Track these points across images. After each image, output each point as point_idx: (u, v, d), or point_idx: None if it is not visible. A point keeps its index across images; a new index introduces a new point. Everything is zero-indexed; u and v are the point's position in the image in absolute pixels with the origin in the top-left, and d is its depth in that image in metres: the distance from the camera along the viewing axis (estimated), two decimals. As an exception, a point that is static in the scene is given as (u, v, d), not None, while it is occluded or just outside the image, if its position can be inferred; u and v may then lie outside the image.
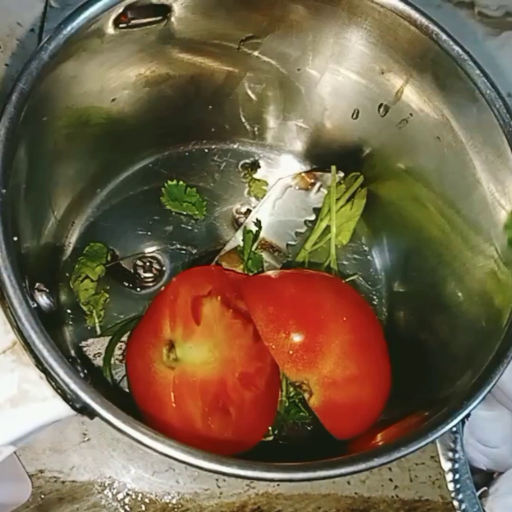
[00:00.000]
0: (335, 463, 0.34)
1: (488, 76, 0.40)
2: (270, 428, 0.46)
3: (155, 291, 0.49)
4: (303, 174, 0.52)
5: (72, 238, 0.49)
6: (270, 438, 0.46)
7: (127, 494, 0.48)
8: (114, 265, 0.49)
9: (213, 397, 0.40)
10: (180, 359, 0.40)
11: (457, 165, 0.42)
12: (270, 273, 0.46)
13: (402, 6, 0.39)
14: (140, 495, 0.48)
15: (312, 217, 0.52)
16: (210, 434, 0.39)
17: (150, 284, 0.49)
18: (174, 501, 0.48)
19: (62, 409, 0.33)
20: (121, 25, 0.37)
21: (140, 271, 0.49)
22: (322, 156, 0.53)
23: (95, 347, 0.47)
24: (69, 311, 0.48)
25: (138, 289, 0.49)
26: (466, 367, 0.39)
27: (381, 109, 0.45)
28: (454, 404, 0.36)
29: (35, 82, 0.34)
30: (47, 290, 0.36)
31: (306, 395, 0.41)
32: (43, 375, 0.33)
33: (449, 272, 0.45)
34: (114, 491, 0.48)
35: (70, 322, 0.47)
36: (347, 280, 0.51)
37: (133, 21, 0.37)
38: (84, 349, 0.47)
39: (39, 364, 0.33)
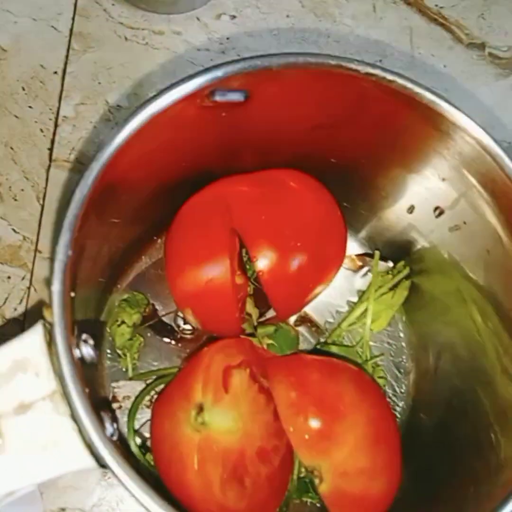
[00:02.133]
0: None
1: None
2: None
3: (191, 344, 0.51)
4: (353, 256, 0.54)
5: (121, 287, 0.51)
6: (278, 514, 0.47)
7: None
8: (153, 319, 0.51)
9: (232, 467, 0.42)
10: (207, 423, 0.42)
11: (503, 280, 0.43)
12: (297, 356, 0.48)
13: (481, 136, 0.40)
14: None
15: (355, 299, 0.54)
16: (225, 503, 0.41)
17: (188, 336, 0.51)
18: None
19: (88, 461, 0.35)
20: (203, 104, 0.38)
21: (180, 322, 0.51)
22: (374, 241, 0.54)
23: (125, 390, 0.49)
24: (108, 350, 0.50)
25: (174, 342, 0.51)
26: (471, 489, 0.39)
27: (436, 211, 0.46)
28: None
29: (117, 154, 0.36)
30: (93, 343, 0.38)
31: (316, 481, 0.43)
32: (75, 427, 0.35)
33: (477, 381, 0.45)
34: (133, 528, 0.50)
35: (108, 362, 0.50)
36: (374, 360, 0.52)
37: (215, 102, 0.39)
38: (115, 390, 0.49)
39: (73, 416, 0.35)
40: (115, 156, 0.35)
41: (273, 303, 0.48)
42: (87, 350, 0.37)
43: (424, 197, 0.46)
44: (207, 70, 0.37)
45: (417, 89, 0.38)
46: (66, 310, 0.33)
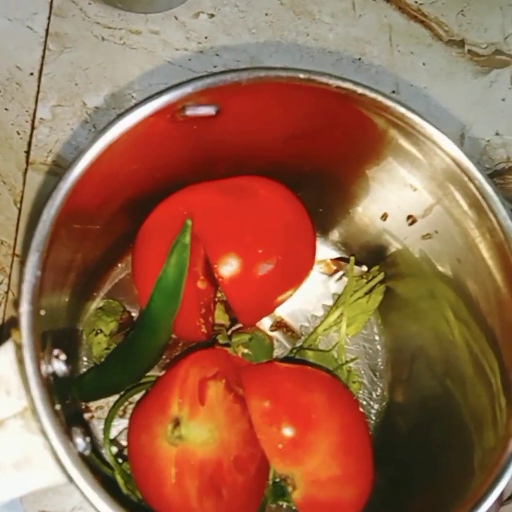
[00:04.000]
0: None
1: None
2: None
3: (167, 352, 0.51)
4: (328, 261, 0.54)
5: (97, 295, 0.51)
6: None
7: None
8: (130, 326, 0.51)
9: (209, 478, 0.42)
10: (183, 437, 0.42)
11: (476, 286, 0.44)
12: (271, 365, 0.48)
13: (451, 149, 0.40)
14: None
15: (330, 303, 0.54)
16: (203, 514, 0.42)
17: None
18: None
19: (61, 478, 0.36)
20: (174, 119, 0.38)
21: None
22: (349, 246, 0.54)
23: (99, 401, 0.50)
24: (85, 358, 0.50)
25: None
26: (452, 492, 0.40)
27: (409, 220, 0.47)
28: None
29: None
30: (65, 358, 0.38)
31: (289, 488, 0.43)
32: (47, 443, 0.35)
33: (452, 383, 0.46)
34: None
35: (84, 370, 0.50)
36: (349, 363, 0.52)
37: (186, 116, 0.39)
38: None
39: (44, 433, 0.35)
40: (85, 172, 0.35)
41: (235, 309, 0.48)
42: (59, 366, 0.37)
43: (396, 205, 0.47)
44: (176, 86, 0.37)
45: (388, 102, 0.38)
46: (34, 331, 0.33)
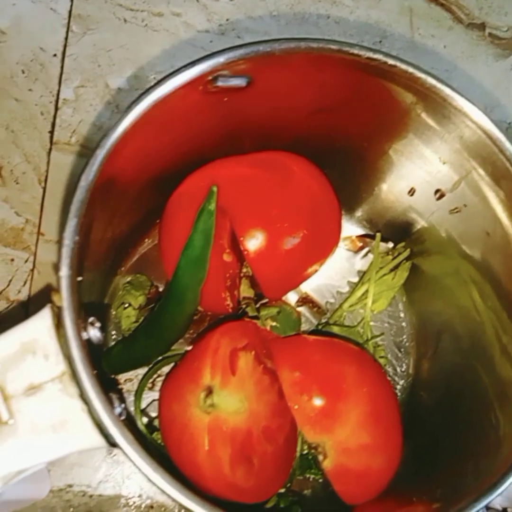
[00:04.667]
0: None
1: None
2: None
3: (194, 326, 0.51)
4: (353, 237, 0.54)
5: (125, 270, 0.52)
6: (282, 490, 0.48)
7: (151, 507, 0.51)
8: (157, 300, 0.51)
9: (240, 446, 0.43)
10: (215, 405, 0.43)
11: (503, 260, 0.44)
12: (300, 337, 0.49)
13: (482, 120, 0.40)
14: (163, 508, 0.51)
15: (355, 279, 0.54)
16: (235, 482, 0.42)
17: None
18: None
19: (98, 440, 0.36)
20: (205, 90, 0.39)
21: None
22: (375, 223, 0.55)
23: (127, 373, 0.50)
24: (113, 332, 0.51)
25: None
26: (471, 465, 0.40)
27: (437, 194, 0.47)
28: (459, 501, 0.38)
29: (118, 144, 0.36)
30: (100, 325, 0.39)
31: (320, 457, 0.44)
32: (85, 407, 0.36)
33: (477, 360, 0.46)
34: (139, 503, 0.51)
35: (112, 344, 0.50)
36: (375, 340, 0.53)
37: (217, 87, 0.39)
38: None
39: (82, 396, 0.36)
40: (119, 142, 0.36)
41: (260, 283, 0.49)
42: (94, 332, 0.38)
43: (424, 180, 0.47)
44: (209, 56, 0.37)
45: (419, 74, 0.38)
46: (74, 294, 0.34)
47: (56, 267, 0.33)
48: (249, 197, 0.47)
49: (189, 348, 0.47)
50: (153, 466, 0.34)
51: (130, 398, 0.50)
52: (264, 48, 0.37)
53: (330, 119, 0.45)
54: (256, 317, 0.48)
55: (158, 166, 0.45)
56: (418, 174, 0.47)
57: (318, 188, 0.49)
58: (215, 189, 0.45)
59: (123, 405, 0.37)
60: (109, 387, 0.37)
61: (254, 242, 0.47)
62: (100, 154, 0.35)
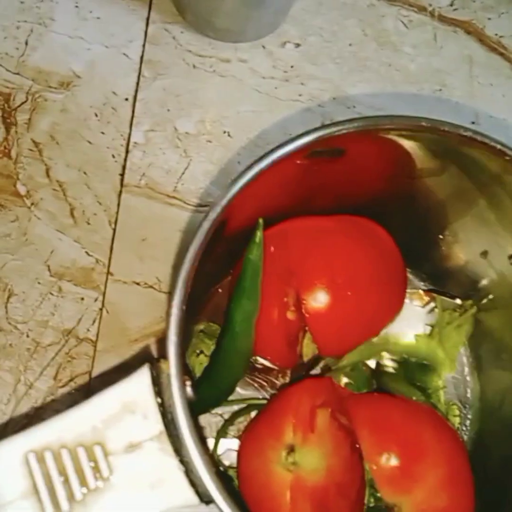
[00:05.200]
0: None
1: None
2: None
3: (267, 376, 0.53)
4: (421, 292, 0.56)
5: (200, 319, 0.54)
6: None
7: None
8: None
9: (318, 503, 0.44)
10: (297, 463, 0.44)
11: None
12: (376, 395, 0.50)
13: None
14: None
15: (421, 332, 0.55)
16: (313, 539, 0.43)
17: (259, 366, 0.53)
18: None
19: (193, 499, 0.38)
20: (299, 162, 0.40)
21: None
22: (442, 278, 0.56)
23: (200, 421, 0.51)
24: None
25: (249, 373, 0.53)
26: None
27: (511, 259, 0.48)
28: None
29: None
30: (191, 383, 0.40)
31: (397, 518, 0.45)
32: (182, 466, 0.37)
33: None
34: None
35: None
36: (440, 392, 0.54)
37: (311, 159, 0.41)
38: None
39: (179, 455, 0.37)
40: (224, 212, 0.37)
41: (315, 341, 0.50)
42: (189, 391, 0.39)
43: (499, 244, 0.48)
44: (314, 130, 0.38)
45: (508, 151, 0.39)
46: (180, 361, 0.35)
47: (165, 336, 0.35)
48: (318, 253, 0.49)
49: (257, 396, 0.48)
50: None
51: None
52: (368, 123, 0.38)
53: (406, 184, 0.46)
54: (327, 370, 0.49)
55: (242, 226, 0.46)
56: (491, 237, 0.48)
57: (387, 248, 0.50)
58: (261, 221, 0.45)
59: (226, 465, 0.39)
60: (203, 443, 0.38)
61: (315, 305, 0.48)
62: (206, 226, 0.36)
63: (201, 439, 0.37)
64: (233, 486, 0.48)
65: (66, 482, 0.37)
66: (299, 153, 0.38)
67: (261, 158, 0.38)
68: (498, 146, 0.39)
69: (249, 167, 0.38)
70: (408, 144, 0.42)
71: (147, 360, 0.39)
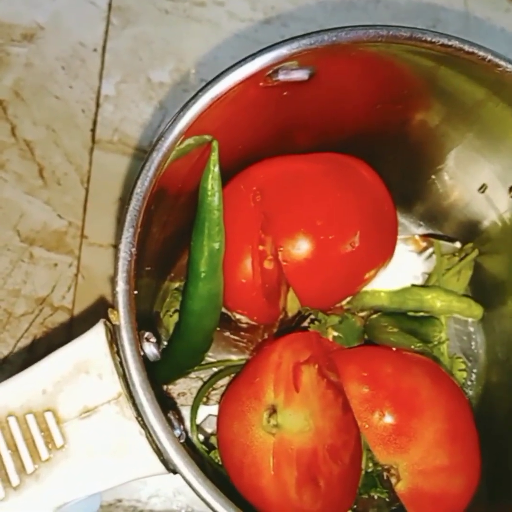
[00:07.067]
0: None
1: None
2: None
3: (248, 334, 0.49)
4: (417, 237, 0.51)
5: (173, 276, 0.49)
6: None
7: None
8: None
9: (306, 468, 0.40)
10: (280, 425, 0.40)
11: None
12: (367, 348, 0.45)
13: None
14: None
15: (419, 282, 0.51)
16: (301, 506, 0.40)
17: (244, 325, 0.49)
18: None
19: (157, 467, 0.34)
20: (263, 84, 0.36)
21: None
22: (438, 221, 0.52)
23: (180, 386, 0.48)
24: (165, 343, 0.48)
25: (229, 332, 0.49)
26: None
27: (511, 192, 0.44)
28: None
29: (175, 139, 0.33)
30: (155, 340, 0.36)
31: (393, 480, 0.41)
32: (142, 431, 0.34)
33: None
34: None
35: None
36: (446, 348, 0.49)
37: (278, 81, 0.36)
38: (169, 386, 0.48)
39: (140, 419, 0.34)
40: (175, 143, 0.33)
41: (296, 293, 0.46)
42: (150, 349, 0.35)
43: (497, 175, 0.44)
44: (270, 47, 0.34)
45: (499, 61, 0.35)
46: (131, 311, 0.31)
47: (112, 282, 0.31)
48: (293, 203, 0.44)
49: (237, 358, 0.45)
50: (214, 494, 0.32)
51: (183, 412, 0.47)
52: (329, 37, 0.34)
53: (394, 113, 0.42)
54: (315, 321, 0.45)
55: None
56: (491, 169, 0.44)
57: (375, 190, 0.45)
58: (215, 143, 0.38)
59: (182, 426, 0.35)
60: (168, 407, 0.34)
61: (295, 252, 0.43)
62: (156, 158, 0.32)
63: (163, 400, 0.33)
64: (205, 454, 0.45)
65: (15, 453, 0.33)
66: (260, 73, 0.34)
67: (216, 77, 0.33)
68: (489, 56, 0.35)
69: (203, 88, 0.33)
70: (386, 65, 0.37)
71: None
